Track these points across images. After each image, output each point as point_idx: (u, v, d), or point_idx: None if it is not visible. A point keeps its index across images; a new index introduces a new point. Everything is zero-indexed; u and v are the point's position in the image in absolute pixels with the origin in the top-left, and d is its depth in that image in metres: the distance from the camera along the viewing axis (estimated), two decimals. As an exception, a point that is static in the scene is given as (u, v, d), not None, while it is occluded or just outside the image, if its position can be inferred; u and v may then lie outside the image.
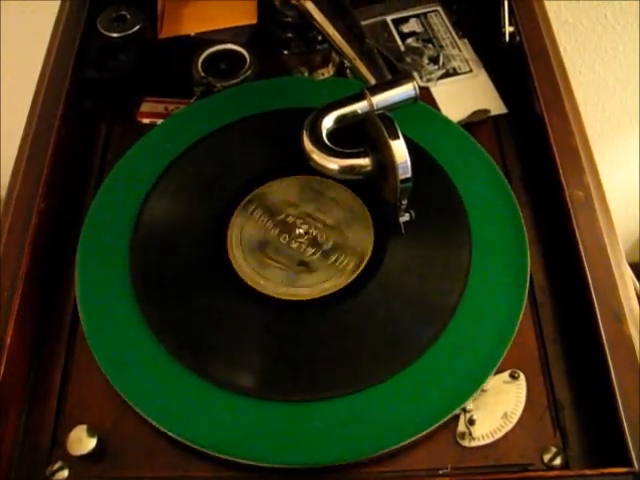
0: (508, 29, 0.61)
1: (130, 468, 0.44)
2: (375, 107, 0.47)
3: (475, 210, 0.52)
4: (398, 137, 0.44)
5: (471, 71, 0.64)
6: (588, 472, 0.41)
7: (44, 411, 0.46)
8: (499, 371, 0.46)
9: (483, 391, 0.45)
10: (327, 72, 0.63)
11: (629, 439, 0.41)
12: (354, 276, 0.49)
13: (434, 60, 0.64)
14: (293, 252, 0.50)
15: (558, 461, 0.43)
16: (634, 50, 0.95)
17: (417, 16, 0.69)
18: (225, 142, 0.57)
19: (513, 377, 0.46)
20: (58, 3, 0.65)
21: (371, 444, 0.42)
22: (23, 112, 0.57)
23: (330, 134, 0.47)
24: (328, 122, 0.47)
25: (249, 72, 0.61)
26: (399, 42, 0.66)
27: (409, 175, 0.44)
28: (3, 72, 0.99)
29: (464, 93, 0.62)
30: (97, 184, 0.56)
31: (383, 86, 0.48)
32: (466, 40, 0.66)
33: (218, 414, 0.44)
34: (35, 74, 0.60)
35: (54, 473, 0.43)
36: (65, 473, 0.43)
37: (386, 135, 0.44)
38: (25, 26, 0.92)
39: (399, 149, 0.44)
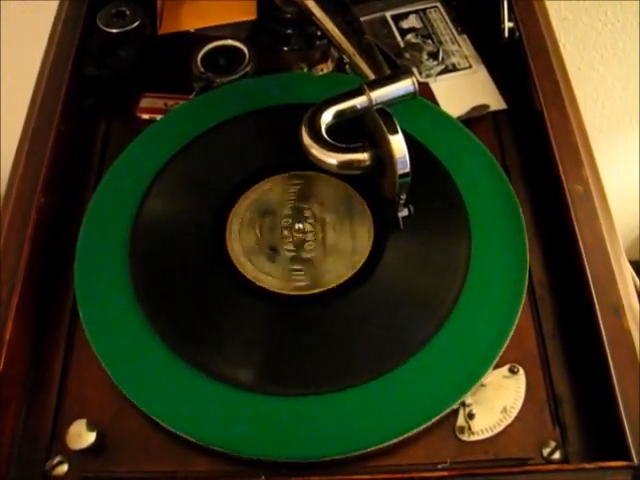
0: (508, 25, 0.61)
1: (129, 462, 0.44)
2: (374, 102, 0.47)
3: (474, 205, 0.52)
4: (397, 132, 0.44)
5: (470, 67, 0.64)
6: (587, 466, 0.41)
7: (43, 406, 0.46)
8: (498, 366, 0.46)
9: (482, 386, 0.45)
10: (326, 68, 0.63)
11: (628, 433, 0.41)
12: (353, 272, 0.49)
13: (433, 56, 0.64)
14: (292, 248, 0.51)
15: (557, 455, 0.43)
16: (634, 48, 0.95)
17: (416, 12, 0.69)
18: (224, 138, 0.57)
19: (512, 372, 0.46)
20: (58, 3, 0.65)
21: (370, 438, 0.42)
22: (23, 109, 0.57)
23: (329, 129, 0.47)
24: (327, 117, 0.47)
25: (248, 68, 0.61)
26: (398, 38, 0.66)
27: (408, 170, 0.44)
28: (3, 72, 0.99)
29: (463, 89, 0.62)
30: (96, 180, 0.56)
31: (382, 81, 0.48)
32: (465, 36, 0.66)
33: (217, 408, 0.44)
34: (35, 72, 0.60)
35: (54, 467, 0.44)
36: (65, 467, 0.44)
37: (385, 130, 0.44)
38: (25, 26, 0.92)
39: (398, 144, 0.44)
